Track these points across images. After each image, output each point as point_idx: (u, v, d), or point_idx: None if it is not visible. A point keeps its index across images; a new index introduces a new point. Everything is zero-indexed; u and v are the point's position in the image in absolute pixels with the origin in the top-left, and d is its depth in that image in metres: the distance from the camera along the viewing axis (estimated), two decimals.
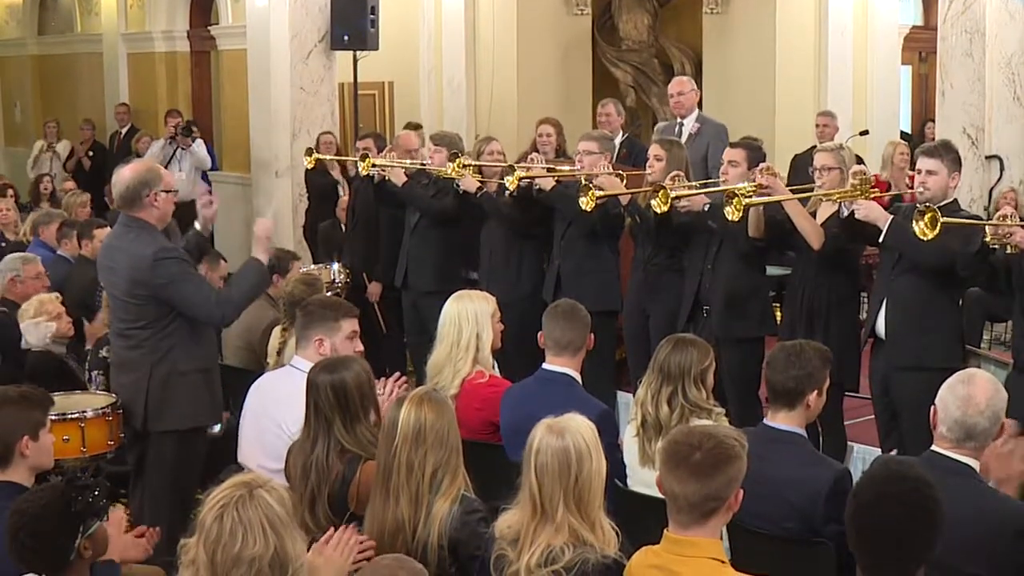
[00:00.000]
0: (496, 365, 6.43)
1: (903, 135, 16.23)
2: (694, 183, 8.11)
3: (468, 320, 6.12)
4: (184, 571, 3.49)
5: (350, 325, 5.88)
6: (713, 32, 16.49)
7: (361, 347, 5.90)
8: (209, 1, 16.40)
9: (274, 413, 5.63)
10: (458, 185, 9.11)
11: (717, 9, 16.39)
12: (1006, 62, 11.71)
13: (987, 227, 6.49)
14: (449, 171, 9.10)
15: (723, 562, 3.81)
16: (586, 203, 7.92)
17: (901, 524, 3.56)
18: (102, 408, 6.26)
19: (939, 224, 6.19)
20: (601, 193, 8.05)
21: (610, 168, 8.49)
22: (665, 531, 3.86)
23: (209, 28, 16.15)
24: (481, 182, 9.10)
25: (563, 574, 3.95)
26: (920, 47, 17.85)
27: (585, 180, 8.19)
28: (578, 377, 5.91)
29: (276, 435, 5.50)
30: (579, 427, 4.10)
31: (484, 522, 4.36)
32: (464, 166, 9.09)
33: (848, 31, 16.05)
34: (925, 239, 6.25)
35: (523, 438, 4.19)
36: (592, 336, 5.97)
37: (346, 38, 13.24)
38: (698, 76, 15.99)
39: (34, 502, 4.16)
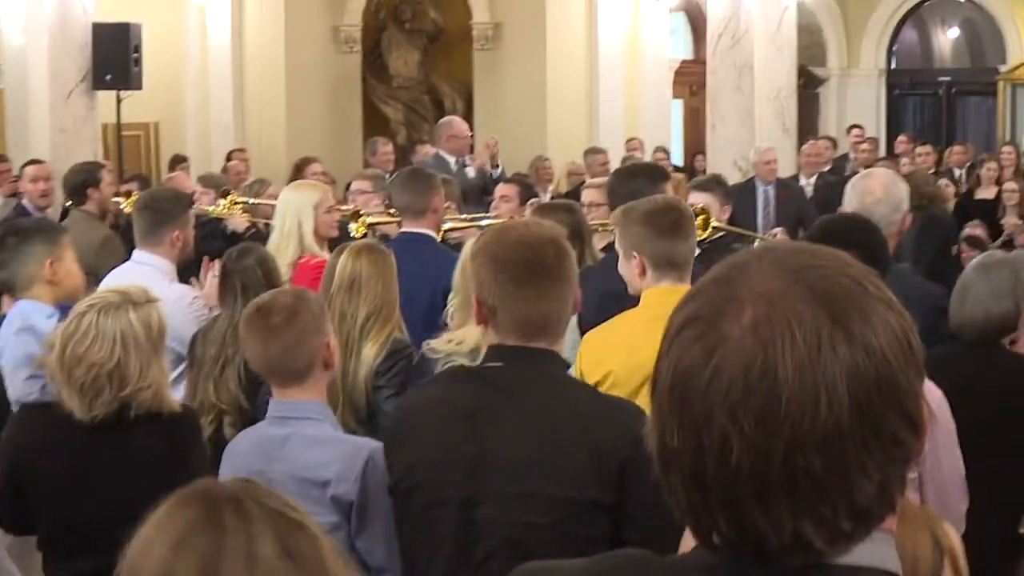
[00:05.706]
0: None
1: (676, 168, 16.46)
2: (464, 216, 8.10)
3: (290, 210, 6.43)
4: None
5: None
6: (483, 68, 16.53)
7: None
8: None
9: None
10: (226, 226, 8.85)
11: (487, 45, 16.44)
12: (775, 95, 11.96)
13: (757, 240, 6.61)
14: (218, 209, 8.88)
15: None
16: (356, 229, 7.86)
17: None
18: None
19: (711, 227, 6.35)
20: (372, 220, 7.99)
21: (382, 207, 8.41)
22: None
23: None
24: (251, 222, 8.89)
25: None
26: (691, 81, 18.19)
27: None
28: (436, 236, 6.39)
29: None
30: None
31: (409, 359, 4.68)
32: (235, 203, 8.88)
33: (618, 65, 16.27)
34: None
35: None
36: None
37: (108, 77, 12.87)
38: (469, 112, 16.01)
39: None
